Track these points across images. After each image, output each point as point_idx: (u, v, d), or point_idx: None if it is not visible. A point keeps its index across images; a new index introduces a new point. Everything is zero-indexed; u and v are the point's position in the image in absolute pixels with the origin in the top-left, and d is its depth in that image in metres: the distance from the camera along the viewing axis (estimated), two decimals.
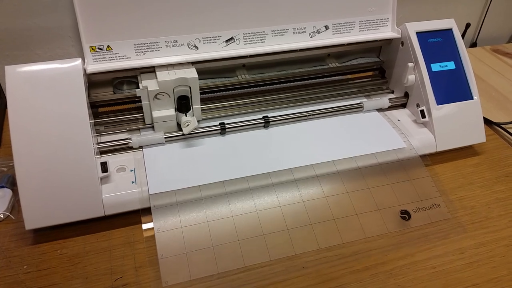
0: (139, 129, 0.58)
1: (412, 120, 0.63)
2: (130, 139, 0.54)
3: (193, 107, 0.57)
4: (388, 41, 0.66)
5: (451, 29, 0.62)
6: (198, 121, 0.57)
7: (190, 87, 0.55)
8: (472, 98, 0.61)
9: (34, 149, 0.46)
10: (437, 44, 0.62)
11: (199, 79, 0.55)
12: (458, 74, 0.62)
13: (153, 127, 0.57)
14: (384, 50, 0.69)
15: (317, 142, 0.58)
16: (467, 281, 0.46)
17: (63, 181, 0.46)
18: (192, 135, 0.57)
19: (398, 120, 0.63)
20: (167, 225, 0.47)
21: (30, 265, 0.45)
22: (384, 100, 0.64)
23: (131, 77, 0.57)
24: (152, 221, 0.48)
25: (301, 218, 0.50)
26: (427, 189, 0.55)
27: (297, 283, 0.45)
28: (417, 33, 0.61)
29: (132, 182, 0.50)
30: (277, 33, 0.60)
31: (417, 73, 0.61)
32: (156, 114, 0.55)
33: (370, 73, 0.72)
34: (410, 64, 0.60)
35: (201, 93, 0.57)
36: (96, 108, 0.58)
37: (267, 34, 0.60)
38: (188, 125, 0.54)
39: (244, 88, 0.64)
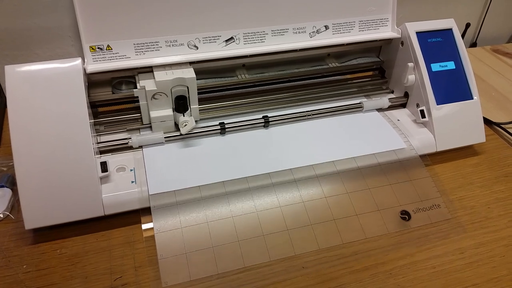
0: (139, 128, 0.58)
1: (412, 120, 0.63)
2: (130, 138, 0.54)
3: (191, 107, 0.57)
4: (388, 41, 0.66)
5: (451, 29, 0.62)
6: (196, 121, 0.57)
7: (188, 87, 0.55)
8: (472, 98, 0.61)
9: (34, 149, 0.46)
10: (437, 44, 0.62)
11: (199, 79, 0.55)
12: (458, 74, 0.62)
13: (151, 127, 0.57)
14: (384, 50, 0.69)
15: (317, 142, 0.58)
16: (467, 281, 0.46)
17: (62, 180, 0.46)
18: (191, 135, 0.57)
19: (398, 120, 0.63)
20: (167, 225, 0.47)
21: (30, 265, 0.45)
22: (384, 100, 0.64)
23: (129, 77, 0.57)
24: (152, 221, 0.48)
25: (301, 218, 0.50)
26: (427, 189, 0.55)
27: (296, 283, 0.45)
28: (417, 33, 0.61)
29: (132, 182, 0.50)
30: (277, 33, 0.60)
31: (417, 73, 0.61)
32: (153, 114, 0.55)
33: (370, 73, 0.72)
34: (410, 64, 0.60)
35: (201, 93, 0.57)
36: (95, 108, 0.58)
37: (267, 34, 0.60)
38: (186, 125, 0.54)
39: (244, 88, 0.64)
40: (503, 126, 0.69)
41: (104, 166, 0.49)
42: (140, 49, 0.55)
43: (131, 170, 0.52)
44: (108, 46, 0.54)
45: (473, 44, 0.99)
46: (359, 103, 0.63)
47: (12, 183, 0.53)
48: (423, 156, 0.58)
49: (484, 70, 0.86)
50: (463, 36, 0.85)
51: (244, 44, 0.59)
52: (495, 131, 0.69)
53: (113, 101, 0.58)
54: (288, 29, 0.60)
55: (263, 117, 0.59)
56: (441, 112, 0.60)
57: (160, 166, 0.53)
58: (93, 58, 0.54)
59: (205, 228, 0.48)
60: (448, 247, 0.49)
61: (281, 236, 0.48)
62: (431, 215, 0.52)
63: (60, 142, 0.47)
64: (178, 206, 0.49)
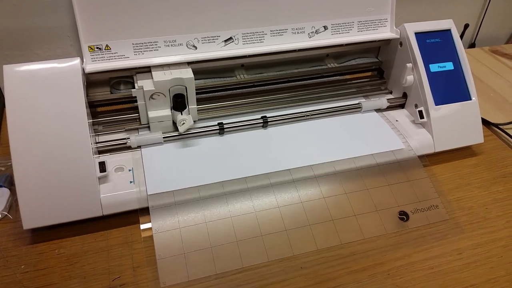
0: (137, 128, 0.58)
1: (411, 120, 0.63)
2: (128, 138, 0.54)
3: (189, 107, 0.57)
4: (387, 42, 0.66)
5: (449, 30, 0.63)
6: (194, 121, 0.57)
7: (186, 87, 0.55)
8: (470, 99, 0.61)
9: (32, 149, 0.46)
10: (436, 45, 0.62)
11: (197, 79, 0.55)
12: (456, 75, 0.62)
13: (149, 127, 0.57)
14: (382, 51, 0.69)
15: (315, 143, 0.58)
16: (465, 281, 0.46)
17: (61, 180, 0.46)
18: (190, 135, 0.57)
19: (397, 120, 0.63)
20: (165, 225, 0.47)
21: (28, 265, 0.45)
22: (382, 101, 0.64)
23: (127, 77, 0.57)
24: (150, 222, 0.48)
25: (300, 219, 0.50)
26: (425, 190, 0.55)
27: (295, 284, 0.45)
28: (415, 33, 0.61)
29: (130, 182, 0.50)
30: (276, 33, 0.60)
31: (415, 73, 0.61)
32: (151, 114, 0.55)
33: (369, 74, 0.72)
34: (409, 65, 0.61)
35: (199, 93, 0.57)
36: (94, 108, 0.58)
37: (266, 34, 0.60)
38: (183, 123, 0.54)
39: (242, 88, 0.64)
40: (501, 127, 0.69)
41: (102, 166, 0.49)
42: (139, 49, 0.55)
43: (129, 170, 0.52)
44: (107, 46, 0.54)
45: (472, 45, 0.99)
46: (358, 103, 0.63)
47: (10, 183, 0.53)
48: (421, 157, 0.58)
49: (483, 70, 0.86)
50: (461, 36, 0.85)
51: (243, 44, 0.59)
52: (493, 132, 0.69)
53: (112, 101, 0.58)
54: (287, 29, 0.60)
55: (262, 117, 0.59)
56: (439, 112, 0.60)
57: (159, 166, 0.53)
58: (91, 58, 0.54)
59: (203, 228, 0.48)
60: (446, 247, 0.49)
61: (279, 237, 0.48)
62: (429, 215, 0.52)
63: (58, 142, 0.47)
64: (176, 206, 0.49)
